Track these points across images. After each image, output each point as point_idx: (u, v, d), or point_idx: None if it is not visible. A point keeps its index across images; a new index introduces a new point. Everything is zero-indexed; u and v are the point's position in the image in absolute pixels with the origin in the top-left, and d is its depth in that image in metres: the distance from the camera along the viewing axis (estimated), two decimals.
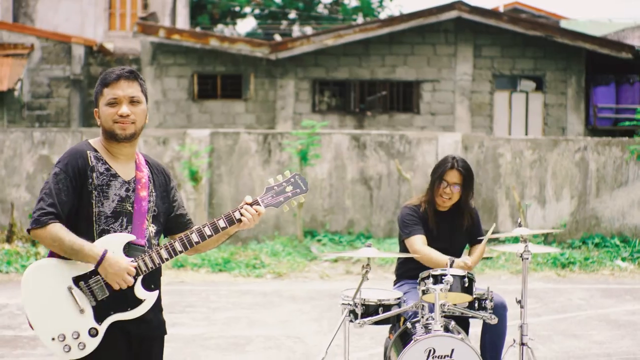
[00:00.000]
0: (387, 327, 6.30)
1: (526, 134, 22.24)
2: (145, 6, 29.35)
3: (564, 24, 31.73)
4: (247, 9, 47.83)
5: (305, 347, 8.33)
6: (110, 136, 4.03)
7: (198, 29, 42.87)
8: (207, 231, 4.03)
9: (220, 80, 22.05)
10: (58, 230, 3.91)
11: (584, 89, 22.38)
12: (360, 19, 48.20)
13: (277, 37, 25.50)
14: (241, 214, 4.06)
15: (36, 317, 3.95)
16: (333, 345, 7.48)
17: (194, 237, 4.02)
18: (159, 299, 4.14)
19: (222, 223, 4.04)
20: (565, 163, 15.69)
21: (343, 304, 5.83)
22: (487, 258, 13.86)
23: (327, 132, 16.14)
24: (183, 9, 33.44)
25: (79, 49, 23.01)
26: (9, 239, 14.65)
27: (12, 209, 14.94)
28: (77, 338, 3.90)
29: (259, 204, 4.10)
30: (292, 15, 48.09)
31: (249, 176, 15.66)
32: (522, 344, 5.93)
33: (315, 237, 15.41)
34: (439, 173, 6.37)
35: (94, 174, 4.00)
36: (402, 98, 22.22)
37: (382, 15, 48.95)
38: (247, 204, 4.09)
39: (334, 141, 15.93)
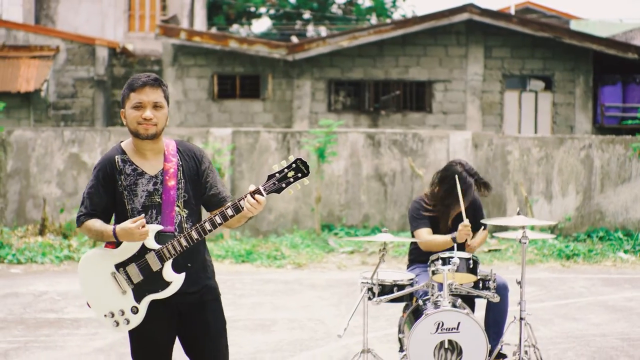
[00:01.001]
0: (400, 310, 7.04)
1: (535, 132, 22.94)
2: (163, 8, 30.10)
3: (573, 25, 32.34)
4: (262, 10, 48.50)
5: (325, 327, 9.10)
6: (135, 135, 4.67)
7: (214, 30, 43.67)
8: (218, 219, 4.53)
9: (239, 81, 22.84)
10: (88, 225, 4.64)
11: (591, 89, 23.05)
12: (374, 19, 48.83)
13: (294, 39, 26.20)
14: (244, 205, 4.50)
15: (91, 297, 4.70)
16: (352, 326, 8.27)
17: (207, 225, 4.52)
18: (205, 270, 4.80)
19: (229, 212, 4.52)
20: (571, 160, 16.41)
21: (362, 282, 6.58)
22: (495, 250, 14.61)
23: (344, 131, 16.89)
24: (201, 10, 34.19)
25: (102, 50, 23.82)
26: (41, 232, 15.44)
27: (45, 204, 15.73)
28: (122, 315, 4.61)
29: (260, 193, 4.50)
30: (307, 15, 48.69)
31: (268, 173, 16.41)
32: (521, 319, 6.67)
33: (332, 230, 16.18)
34: (448, 185, 7.07)
35: (122, 177, 4.64)
36: (415, 98, 22.95)
37: (396, 15, 49.55)
38: (249, 193, 4.52)
39: (350, 139, 16.69)
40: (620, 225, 16.29)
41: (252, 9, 47.88)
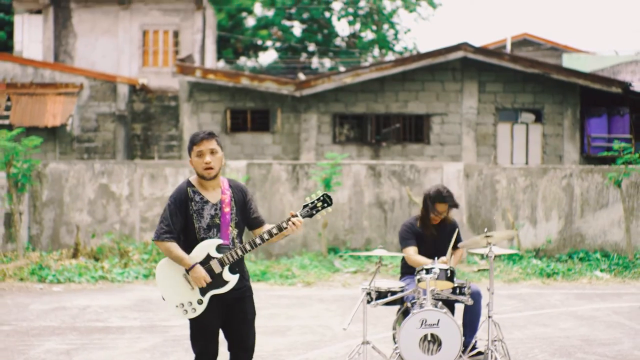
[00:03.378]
0: (395, 317, 8.69)
1: (527, 161, 24.65)
2: (176, 44, 31.89)
3: (565, 58, 34.06)
4: (269, 43, 50.30)
5: (332, 332, 10.77)
6: (201, 177, 6.41)
7: (222, 62, 45.30)
8: (266, 235, 6.33)
9: (250, 115, 24.61)
10: (169, 246, 6.31)
11: (579, 121, 24.76)
12: (376, 51, 50.63)
13: (301, 76, 27.97)
14: (287, 225, 6.33)
15: (165, 293, 6.37)
16: (354, 330, 9.95)
17: (258, 240, 6.31)
18: (244, 273, 6.50)
19: (274, 230, 6.32)
20: (554, 188, 18.10)
21: (362, 288, 8.26)
22: (484, 270, 16.27)
23: (347, 163, 18.60)
24: (211, 45, 35.98)
25: (123, 87, 25.62)
26: (74, 255, 17.11)
27: (78, 231, 17.41)
28: (190, 305, 6.30)
29: (298, 217, 6.35)
30: (312, 48, 50.45)
31: (280, 201, 18.13)
32: (489, 317, 8.31)
33: (338, 253, 17.87)
34: (432, 203, 8.85)
35: (192, 203, 6.37)
36: (414, 130, 24.69)
37: (397, 48, 51.28)
38: (291, 216, 6.37)
39: (353, 170, 18.39)
40: (599, 247, 17.96)
41: (259, 42, 49.66)
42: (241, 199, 6.54)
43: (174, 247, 6.29)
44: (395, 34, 51.18)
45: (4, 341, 10.20)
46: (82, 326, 11.24)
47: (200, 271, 6.20)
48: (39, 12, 32.32)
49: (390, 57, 50.19)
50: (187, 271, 6.25)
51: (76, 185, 18.23)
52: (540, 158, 24.80)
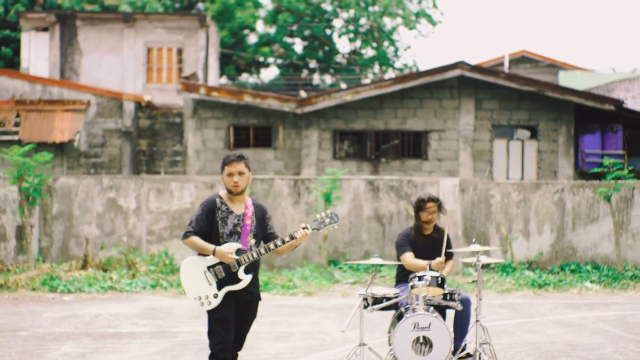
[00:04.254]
0: (390, 322, 9.33)
1: (522, 177, 25.32)
2: (180, 61, 32.62)
3: (562, 75, 34.79)
4: (271, 60, 51.02)
5: (332, 338, 11.41)
6: (229, 192, 7.34)
7: (224, 79, 45.96)
8: (279, 242, 7.24)
9: (252, 131, 25.32)
10: (193, 239, 7.22)
11: (573, 137, 25.45)
12: (376, 68, 51.35)
13: (302, 93, 28.67)
14: (298, 234, 7.25)
15: (187, 286, 7.23)
16: (351, 336, 10.58)
17: (272, 245, 7.24)
18: (256, 280, 7.32)
19: (287, 238, 7.26)
20: (546, 203, 18.76)
21: (359, 294, 8.90)
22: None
23: (347, 178, 19.26)
24: (214, 62, 36.71)
25: (129, 104, 26.34)
26: (84, 267, 17.75)
27: (87, 243, 18.07)
28: (207, 298, 7.16)
29: (307, 228, 7.32)
30: (313, 64, 51.20)
31: (282, 215, 18.79)
32: (477, 321, 8.95)
33: (337, 265, 18.51)
34: (422, 204, 9.54)
35: (219, 212, 7.30)
36: (413, 146, 25.39)
37: (397, 64, 52.03)
38: (301, 227, 7.31)
39: (352, 185, 19.06)
40: (590, 260, 18.61)
41: (261, 59, 50.38)
42: (261, 216, 7.54)
43: (197, 240, 7.22)
44: (396, 51, 51.93)
45: (23, 345, 10.84)
46: (94, 332, 11.88)
47: (223, 249, 7.09)
48: (45, 29, 33.05)
49: (390, 73, 50.94)
50: (213, 253, 7.10)
51: (85, 199, 18.88)
52: (535, 173, 25.47)
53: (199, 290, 7.19)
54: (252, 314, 7.49)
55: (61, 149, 25.20)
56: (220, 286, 7.18)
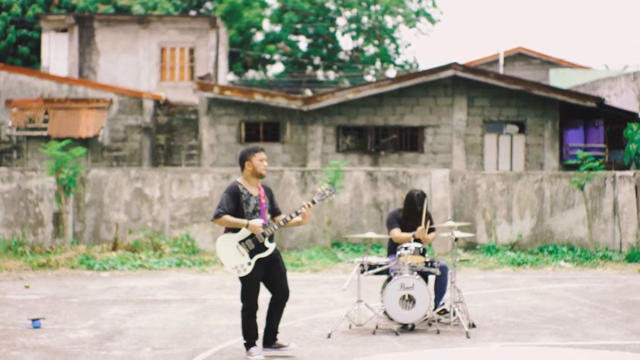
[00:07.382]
0: (382, 285, 11.48)
1: (511, 169, 27.47)
2: (192, 60, 34.72)
3: (552, 73, 36.83)
4: (276, 57, 52.90)
5: (335, 302, 13.63)
6: (259, 176, 9.32)
7: (231, 76, 47.93)
8: (293, 214, 9.26)
9: (262, 127, 27.51)
10: (225, 218, 9.15)
11: (558, 132, 27.57)
12: (378, 64, 53.32)
13: (308, 92, 30.81)
14: (301, 210, 9.28)
15: (224, 258, 9.21)
16: (351, 302, 12.74)
17: (288, 217, 9.25)
18: (276, 246, 9.39)
19: (294, 214, 9.28)
20: (527, 191, 20.95)
21: (356, 261, 11.09)
22: (465, 260, 19.08)
23: (349, 170, 21.44)
24: (224, 61, 38.75)
25: (149, 102, 28.53)
26: (114, 248, 19.95)
27: (117, 228, 20.28)
28: (242, 266, 9.13)
29: (313, 202, 9.31)
30: (317, 61, 53.11)
31: (290, 202, 20.97)
32: (452, 282, 11.13)
33: (340, 247, 20.72)
34: (410, 205, 11.70)
35: (242, 195, 9.24)
36: (410, 140, 27.55)
37: (398, 61, 53.91)
38: (304, 204, 9.31)
39: (353, 176, 21.24)
40: (566, 242, 20.80)
41: (267, 56, 52.27)
42: (270, 195, 9.50)
43: (229, 217, 9.10)
44: (396, 48, 53.76)
45: (78, 308, 13.05)
46: (135, 299, 14.09)
47: (254, 223, 8.97)
48: (64, 30, 35.21)
49: (391, 69, 52.91)
50: (246, 226, 8.96)
51: (114, 189, 21.05)
52: (523, 165, 27.62)
53: (235, 261, 9.05)
54: (282, 267, 9.37)
55: (86, 144, 27.39)
56: (251, 255, 9.06)
